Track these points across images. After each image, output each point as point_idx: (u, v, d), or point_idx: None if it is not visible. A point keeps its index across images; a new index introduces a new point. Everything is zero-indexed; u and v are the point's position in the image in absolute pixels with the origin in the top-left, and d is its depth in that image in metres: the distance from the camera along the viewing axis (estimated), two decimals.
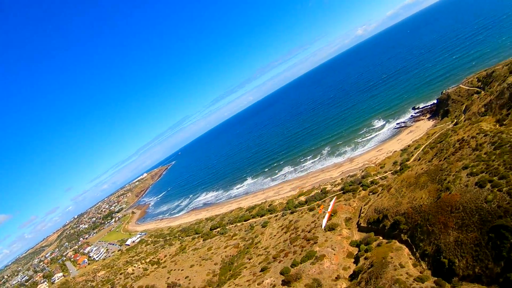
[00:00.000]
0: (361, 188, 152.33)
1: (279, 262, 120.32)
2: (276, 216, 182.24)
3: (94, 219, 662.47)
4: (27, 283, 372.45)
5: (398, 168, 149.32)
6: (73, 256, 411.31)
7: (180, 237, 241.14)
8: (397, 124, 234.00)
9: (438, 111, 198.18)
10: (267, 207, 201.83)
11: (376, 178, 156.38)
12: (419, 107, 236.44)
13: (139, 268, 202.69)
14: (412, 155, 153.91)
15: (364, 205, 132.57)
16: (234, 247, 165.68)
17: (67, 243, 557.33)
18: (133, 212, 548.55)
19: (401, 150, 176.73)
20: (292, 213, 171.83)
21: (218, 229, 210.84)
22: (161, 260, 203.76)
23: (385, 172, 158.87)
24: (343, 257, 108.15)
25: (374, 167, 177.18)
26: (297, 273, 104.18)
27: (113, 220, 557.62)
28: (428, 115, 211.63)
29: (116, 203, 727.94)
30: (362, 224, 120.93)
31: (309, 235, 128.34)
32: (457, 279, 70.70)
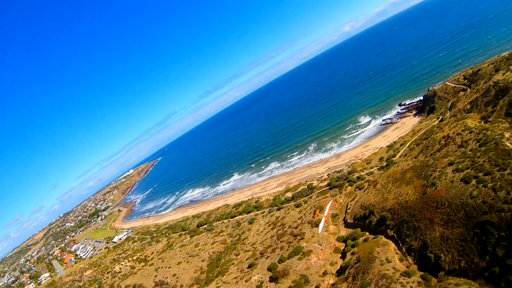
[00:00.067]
0: (347, 184, 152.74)
1: (266, 258, 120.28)
2: (263, 212, 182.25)
3: (80, 217, 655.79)
4: (13, 285, 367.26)
5: (384, 164, 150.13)
6: (59, 254, 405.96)
7: (167, 234, 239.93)
8: (383, 120, 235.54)
9: (424, 108, 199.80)
10: (254, 204, 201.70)
11: (363, 174, 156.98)
12: (405, 103, 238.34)
13: (126, 266, 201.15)
14: (398, 151, 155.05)
15: (351, 201, 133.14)
16: (221, 243, 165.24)
17: (53, 241, 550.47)
18: (119, 210, 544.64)
19: (387, 146, 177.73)
20: (278, 209, 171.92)
21: (205, 226, 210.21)
22: (148, 257, 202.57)
23: (371, 168, 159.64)
24: (330, 253, 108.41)
25: (360, 163, 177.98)
26: (285, 269, 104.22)
27: (99, 218, 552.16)
28: (414, 112, 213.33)
29: (102, 201, 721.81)
30: (348, 220, 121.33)
31: (296, 231, 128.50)
32: (443, 274, 71.40)
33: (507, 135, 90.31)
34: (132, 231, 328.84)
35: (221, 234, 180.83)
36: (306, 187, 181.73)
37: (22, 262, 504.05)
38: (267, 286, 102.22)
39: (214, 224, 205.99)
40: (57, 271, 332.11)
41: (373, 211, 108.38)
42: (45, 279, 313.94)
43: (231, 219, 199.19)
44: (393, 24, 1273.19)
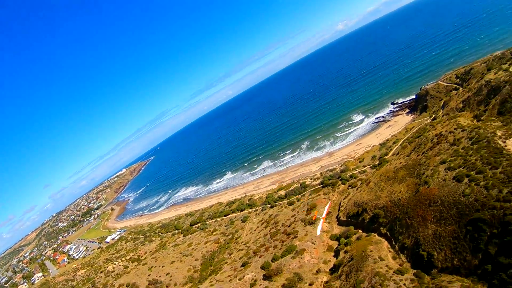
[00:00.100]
0: (340, 182, 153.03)
1: (259, 257, 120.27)
2: (256, 210, 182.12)
3: (73, 216, 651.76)
4: (6, 285, 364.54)
5: (377, 162, 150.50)
6: (52, 255, 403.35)
7: (160, 233, 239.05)
8: (376, 118, 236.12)
9: (417, 106, 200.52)
10: (247, 202, 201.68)
11: (355, 172, 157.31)
12: (398, 102, 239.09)
13: (120, 265, 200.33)
14: (391, 150, 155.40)
15: (344, 199, 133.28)
16: (214, 242, 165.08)
17: (46, 242, 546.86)
18: (112, 209, 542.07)
19: (380, 144, 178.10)
20: (272, 207, 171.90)
21: (198, 224, 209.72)
22: (142, 257, 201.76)
23: (364, 166, 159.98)
24: (323, 251, 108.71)
25: (353, 161, 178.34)
26: (278, 268, 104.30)
27: (92, 217, 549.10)
28: (407, 110, 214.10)
29: (95, 200, 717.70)
30: (341, 218, 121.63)
31: (289, 229, 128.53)
32: (436, 271, 71.75)
33: (499, 133, 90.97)
34: (125, 231, 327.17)
35: (214, 233, 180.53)
36: (299, 185, 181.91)
37: (14, 263, 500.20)
38: (260, 284, 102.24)
39: (207, 222, 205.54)
40: (50, 271, 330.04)
41: (366, 209, 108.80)
42: (38, 279, 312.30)
43: (224, 217, 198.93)
44: (386, 23, 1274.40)
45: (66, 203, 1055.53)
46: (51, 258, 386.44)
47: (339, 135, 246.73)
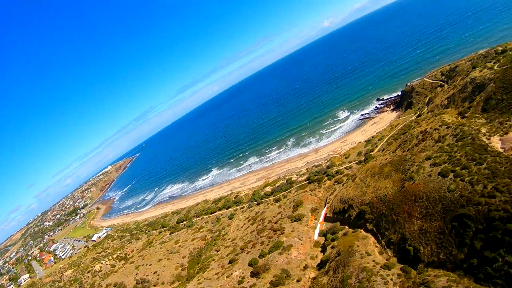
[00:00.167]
0: (326, 178, 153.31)
1: (247, 253, 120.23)
2: (243, 207, 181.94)
3: (58, 216, 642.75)
4: None
5: (363, 158, 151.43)
6: (38, 255, 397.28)
7: (146, 231, 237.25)
8: (362, 115, 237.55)
9: (402, 103, 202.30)
10: (233, 199, 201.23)
11: (341, 168, 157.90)
12: (383, 98, 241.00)
13: (107, 264, 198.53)
14: (376, 146, 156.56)
15: (330, 195, 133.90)
16: (201, 239, 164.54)
17: (32, 242, 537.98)
18: (98, 208, 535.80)
19: (366, 141, 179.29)
20: (258, 204, 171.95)
21: (185, 222, 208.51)
22: (129, 255, 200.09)
23: (350, 162, 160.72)
24: (310, 247, 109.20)
25: (339, 157, 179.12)
26: (266, 264, 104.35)
27: (78, 216, 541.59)
28: (392, 107, 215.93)
29: (80, 199, 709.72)
30: (328, 214, 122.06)
31: (276, 226, 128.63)
32: (422, 266, 72.66)
33: (483, 130, 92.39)
34: (111, 229, 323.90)
35: (201, 230, 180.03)
36: (285, 181, 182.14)
37: (0, 264, 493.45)
38: (248, 281, 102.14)
39: (193, 220, 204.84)
40: (37, 272, 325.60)
41: (352, 205, 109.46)
42: (24, 281, 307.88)
43: (210, 215, 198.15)
44: (372, 20, 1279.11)
45: (51, 203, 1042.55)
46: (38, 259, 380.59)
47: (325, 131, 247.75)
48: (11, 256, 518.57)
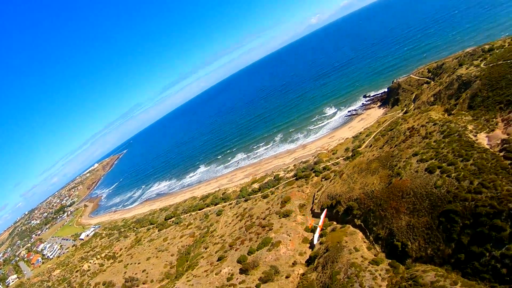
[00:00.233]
0: (313, 174, 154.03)
1: (235, 250, 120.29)
2: (231, 204, 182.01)
3: (45, 214, 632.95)
4: None
5: (350, 154, 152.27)
6: (26, 255, 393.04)
7: (134, 229, 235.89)
8: (349, 111, 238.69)
9: (389, 100, 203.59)
10: (221, 196, 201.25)
11: (329, 164, 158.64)
12: (370, 95, 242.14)
13: (95, 264, 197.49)
14: (364, 142, 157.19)
15: (317, 191, 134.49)
16: (190, 236, 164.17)
17: (19, 241, 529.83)
18: (85, 205, 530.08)
19: (353, 137, 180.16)
20: (246, 200, 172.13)
21: (173, 219, 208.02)
22: (117, 254, 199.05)
23: (337, 158, 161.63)
24: (298, 243, 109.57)
25: (326, 153, 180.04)
26: (254, 261, 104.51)
27: (65, 214, 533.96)
28: (379, 103, 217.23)
29: (67, 197, 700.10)
30: (316, 210, 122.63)
31: (264, 222, 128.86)
32: (410, 261, 73.47)
33: (470, 127, 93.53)
34: (99, 227, 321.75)
35: (189, 227, 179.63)
36: (272, 178, 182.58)
37: None
38: (237, 278, 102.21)
39: (182, 216, 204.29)
40: (25, 272, 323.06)
41: (340, 201, 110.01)
42: (12, 281, 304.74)
43: (198, 211, 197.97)
44: (359, 17, 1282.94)
45: (38, 201, 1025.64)
46: (25, 259, 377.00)
47: (312, 128, 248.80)
48: None
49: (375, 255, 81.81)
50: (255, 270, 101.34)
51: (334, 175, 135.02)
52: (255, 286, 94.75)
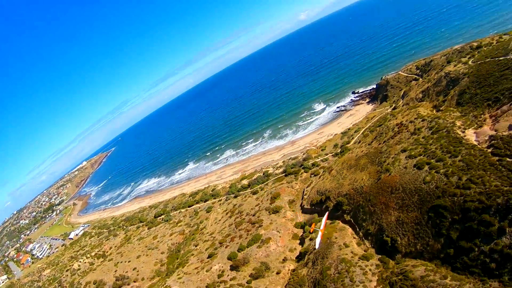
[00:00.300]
0: (303, 171, 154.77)
1: (225, 247, 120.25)
2: (220, 200, 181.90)
3: (34, 213, 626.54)
4: None
5: (339, 151, 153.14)
6: (15, 255, 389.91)
7: (124, 227, 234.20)
8: (338, 107, 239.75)
9: (377, 96, 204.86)
10: (211, 192, 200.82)
11: (318, 160, 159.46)
12: (358, 91, 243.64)
13: (85, 263, 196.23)
14: (352, 138, 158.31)
15: (307, 187, 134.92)
16: (179, 234, 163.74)
17: (8, 242, 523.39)
18: (74, 204, 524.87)
19: (342, 133, 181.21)
20: (235, 197, 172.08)
21: (162, 216, 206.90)
22: (107, 252, 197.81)
23: (326, 154, 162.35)
24: (288, 239, 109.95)
25: (315, 149, 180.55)
26: (245, 258, 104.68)
27: (54, 213, 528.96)
28: (368, 100, 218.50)
29: (56, 195, 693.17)
30: (305, 206, 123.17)
31: (254, 219, 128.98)
32: (400, 256, 74.27)
33: (458, 123, 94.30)
34: (88, 225, 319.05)
35: (179, 224, 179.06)
36: (262, 174, 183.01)
37: None
38: (228, 275, 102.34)
39: (171, 214, 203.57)
40: (15, 272, 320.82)
41: (329, 196, 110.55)
42: (3, 282, 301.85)
43: (188, 208, 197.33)
44: (348, 13, 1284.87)
45: (27, 200, 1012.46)
46: (15, 259, 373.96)
47: (301, 124, 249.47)
48: None
49: (365, 251, 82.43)
50: (245, 267, 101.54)
51: (323, 171, 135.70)
52: (246, 283, 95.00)
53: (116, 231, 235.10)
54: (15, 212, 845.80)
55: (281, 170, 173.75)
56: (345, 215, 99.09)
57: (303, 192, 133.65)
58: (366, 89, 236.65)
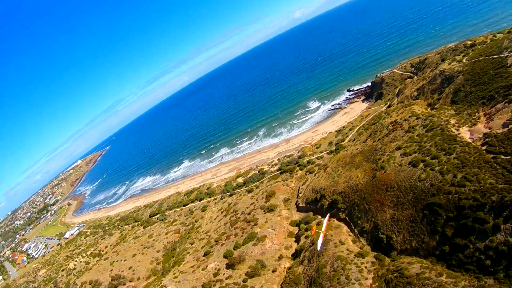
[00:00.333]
0: (298, 168, 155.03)
1: (221, 246, 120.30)
2: (215, 199, 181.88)
3: (29, 214, 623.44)
4: None
5: (334, 148, 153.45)
6: (11, 255, 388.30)
7: (119, 226, 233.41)
8: (332, 105, 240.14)
9: (372, 94, 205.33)
10: (206, 191, 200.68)
11: (313, 158, 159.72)
12: (353, 89, 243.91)
13: (81, 262, 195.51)
14: (347, 136, 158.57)
15: (302, 185, 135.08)
16: (175, 232, 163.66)
17: (3, 242, 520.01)
18: (69, 204, 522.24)
19: (336, 131, 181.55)
20: (231, 195, 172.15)
21: (158, 215, 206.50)
22: (102, 251, 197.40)
23: (321, 152, 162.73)
24: (284, 237, 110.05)
25: (310, 147, 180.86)
26: (240, 256, 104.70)
27: (49, 213, 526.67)
28: (363, 97, 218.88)
29: (51, 195, 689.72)
30: (300, 204, 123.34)
31: (249, 217, 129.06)
32: (395, 253, 74.62)
33: (452, 121, 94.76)
34: (83, 225, 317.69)
35: (174, 223, 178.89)
36: (257, 172, 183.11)
37: None
38: (224, 273, 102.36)
39: (166, 213, 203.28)
40: (10, 273, 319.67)
41: (325, 194, 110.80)
42: None
43: (183, 207, 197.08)
44: (343, 11, 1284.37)
45: (21, 200, 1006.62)
46: (10, 259, 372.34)
47: (296, 122, 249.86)
48: None
49: (360, 248, 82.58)
50: (241, 265, 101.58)
51: (319, 169, 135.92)
52: (242, 281, 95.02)
53: (111, 230, 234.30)
54: (9, 213, 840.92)
55: (276, 167, 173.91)
56: (340, 213, 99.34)
57: (298, 190, 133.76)
58: (361, 87, 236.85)
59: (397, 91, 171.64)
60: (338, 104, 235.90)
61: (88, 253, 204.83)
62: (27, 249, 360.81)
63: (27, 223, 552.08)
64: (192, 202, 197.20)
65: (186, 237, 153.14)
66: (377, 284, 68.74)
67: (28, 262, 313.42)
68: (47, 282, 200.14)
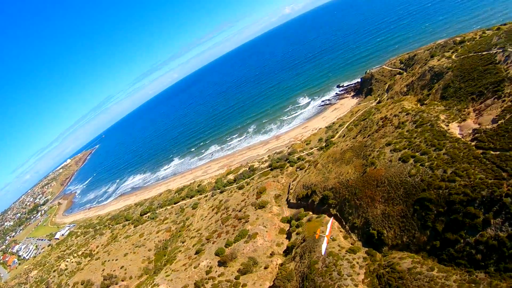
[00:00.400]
0: (288, 165, 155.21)
1: (213, 243, 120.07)
2: (206, 196, 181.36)
3: (19, 214, 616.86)
4: None
5: (324, 145, 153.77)
6: (1, 257, 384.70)
7: (110, 226, 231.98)
8: (322, 101, 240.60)
9: (362, 90, 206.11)
10: (196, 188, 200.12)
11: (303, 154, 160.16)
12: (343, 85, 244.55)
13: (72, 262, 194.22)
14: (337, 132, 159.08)
15: (293, 181, 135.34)
16: (166, 231, 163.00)
17: None
18: (59, 203, 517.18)
19: (326, 127, 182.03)
20: (221, 192, 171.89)
21: (149, 214, 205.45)
22: (94, 251, 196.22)
23: (311, 148, 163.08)
24: (275, 234, 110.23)
25: (300, 143, 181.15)
26: (232, 253, 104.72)
27: (39, 213, 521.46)
28: (352, 93, 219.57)
29: (40, 195, 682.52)
30: (291, 200, 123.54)
31: (240, 214, 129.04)
32: (387, 248, 75.09)
33: (442, 117, 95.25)
34: (74, 225, 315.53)
35: (165, 221, 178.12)
36: (247, 169, 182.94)
37: None
38: (216, 271, 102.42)
39: (157, 211, 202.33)
40: (1, 275, 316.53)
41: (315, 190, 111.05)
42: None
43: (174, 205, 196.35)
44: (333, 7, 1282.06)
45: (11, 200, 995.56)
46: (1, 261, 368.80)
47: (286, 118, 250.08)
48: None
49: (352, 244, 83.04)
50: (233, 262, 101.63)
51: (309, 165, 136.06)
52: (235, 279, 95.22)
53: (102, 230, 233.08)
54: None
55: (266, 164, 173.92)
56: (331, 209, 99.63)
57: (289, 186, 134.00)
58: (351, 83, 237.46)
59: (386, 87, 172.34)
60: (328, 100, 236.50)
61: (80, 253, 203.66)
62: (17, 251, 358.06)
63: (17, 224, 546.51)
64: (183, 199, 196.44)
65: (177, 236, 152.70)
66: (369, 279, 69.07)
67: (19, 264, 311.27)
68: (39, 283, 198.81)
